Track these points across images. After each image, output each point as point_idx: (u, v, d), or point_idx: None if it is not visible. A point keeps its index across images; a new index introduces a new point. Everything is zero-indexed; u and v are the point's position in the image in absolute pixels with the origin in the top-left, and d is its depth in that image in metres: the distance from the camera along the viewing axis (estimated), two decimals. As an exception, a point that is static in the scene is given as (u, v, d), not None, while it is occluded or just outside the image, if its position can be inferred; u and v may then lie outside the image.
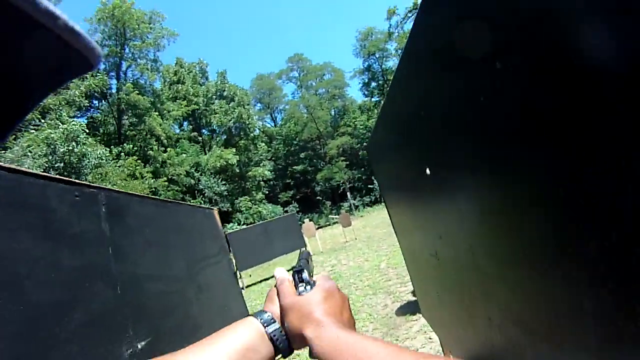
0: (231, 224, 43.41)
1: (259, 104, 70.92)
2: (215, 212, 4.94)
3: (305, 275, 1.07)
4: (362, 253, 16.34)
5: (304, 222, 21.86)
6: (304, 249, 1.58)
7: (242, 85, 64.89)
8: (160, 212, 3.24)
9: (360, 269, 13.05)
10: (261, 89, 70.16)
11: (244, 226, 29.24)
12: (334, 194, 61.03)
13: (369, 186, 55.50)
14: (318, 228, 28.45)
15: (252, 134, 57.31)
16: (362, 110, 65.00)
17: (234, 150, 50.98)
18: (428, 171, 1.67)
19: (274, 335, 0.94)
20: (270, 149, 62.75)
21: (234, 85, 57.12)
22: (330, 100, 66.77)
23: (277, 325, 0.96)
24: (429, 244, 2.20)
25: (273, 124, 72.32)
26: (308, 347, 0.89)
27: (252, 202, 50.60)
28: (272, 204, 54.59)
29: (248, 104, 58.03)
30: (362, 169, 59.51)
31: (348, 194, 58.34)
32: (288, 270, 1.11)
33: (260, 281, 16.46)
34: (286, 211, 48.83)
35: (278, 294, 1.03)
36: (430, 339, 5.98)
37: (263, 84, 70.21)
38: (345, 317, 0.95)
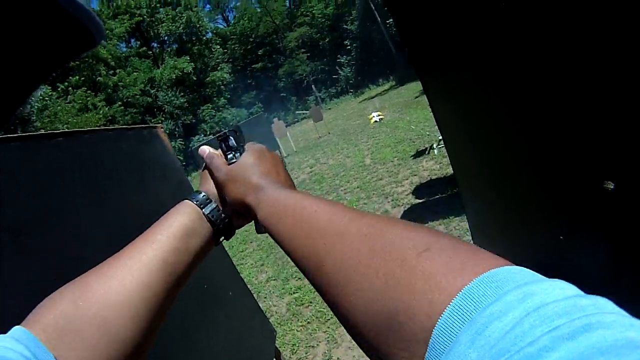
0: (197, 137, 42.99)
1: (207, 5, 68.34)
2: (160, 131, 3.37)
3: (232, 141, 1.02)
4: (341, 149, 15.46)
5: (272, 122, 20.68)
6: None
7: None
8: (52, 154, 1.94)
9: (344, 167, 12.07)
10: (209, -13, 66.61)
11: (211, 136, 28.36)
12: (298, 89, 60.17)
13: (334, 77, 54.58)
14: (287, 126, 27.55)
15: (204, 38, 55.26)
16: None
17: (188, 58, 49.28)
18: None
19: (212, 216, 0.92)
20: (226, 50, 60.83)
21: None
22: (285, -10, 64.39)
23: (213, 204, 0.93)
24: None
25: (226, 24, 69.94)
26: (253, 224, 0.93)
27: (215, 109, 49.93)
28: (236, 107, 53.56)
29: (196, 6, 55.10)
30: (325, 59, 58.39)
31: (313, 86, 57.38)
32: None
33: None
34: (251, 113, 48.43)
35: (210, 171, 0.99)
36: None
37: (210, -18, 66.50)
38: (282, 177, 0.93)
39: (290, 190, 0.83)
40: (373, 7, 45.13)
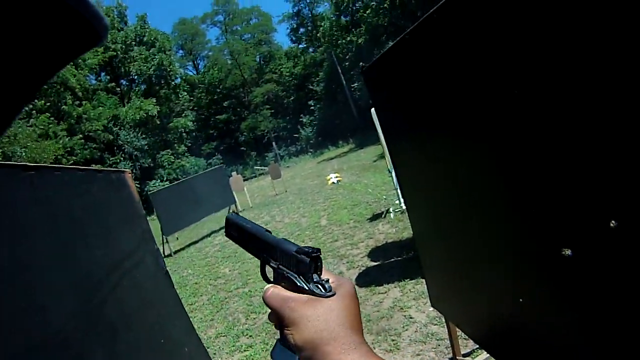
0: (154, 181, 42.32)
1: (181, 51, 68.54)
2: (128, 176, 3.30)
3: (320, 264, 0.78)
4: (297, 207, 15.46)
5: (230, 176, 20.63)
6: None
7: (163, 30, 61.55)
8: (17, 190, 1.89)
9: (299, 226, 12.09)
10: (184, 34, 67.39)
11: (167, 183, 27.96)
12: (259, 144, 60.26)
13: (294, 135, 55.03)
14: (245, 180, 27.46)
15: (173, 83, 54.75)
16: (288, 57, 63.80)
17: (154, 101, 48.55)
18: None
19: None
20: (192, 98, 60.60)
21: (155, 30, 53.62)
22: (256, 46, 65.57)
23: None
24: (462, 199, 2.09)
25: (195, 72, 70.00)
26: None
27: (175, 155, 49.10)
28: (195, 156, 53.14)
29: (169, 50, 55.15)
30: (288, 117, 59.04)
31: (273, 143, 57.59)
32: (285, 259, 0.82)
33: (189, 245, 15.16)
34: (210, 164, 48.09)
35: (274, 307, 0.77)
36: (410, 317, 5.13)
37: (186, 29, 67.38)
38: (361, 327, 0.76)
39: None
40: (340, 71, 46.23)
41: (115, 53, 48.19)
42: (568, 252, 1.36)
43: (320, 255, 0.79)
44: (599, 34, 1.06)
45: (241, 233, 0.92)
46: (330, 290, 0.76)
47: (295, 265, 0.79)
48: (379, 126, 2.87)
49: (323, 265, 0.82)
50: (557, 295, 1.49)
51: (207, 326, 7.20)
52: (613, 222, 1.15)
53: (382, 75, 2.74)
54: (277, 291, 0.79)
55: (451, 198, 2.20)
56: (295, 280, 0.78)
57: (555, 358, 1.62)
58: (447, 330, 3.63)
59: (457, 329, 3.27)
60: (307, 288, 0.76)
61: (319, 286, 0.76)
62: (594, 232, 1.23)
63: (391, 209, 9.73)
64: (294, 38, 63.83)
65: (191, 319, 7.55)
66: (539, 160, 1.41)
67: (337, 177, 18.60)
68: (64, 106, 39.36)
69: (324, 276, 0.79)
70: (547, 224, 1.45)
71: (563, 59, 1.19)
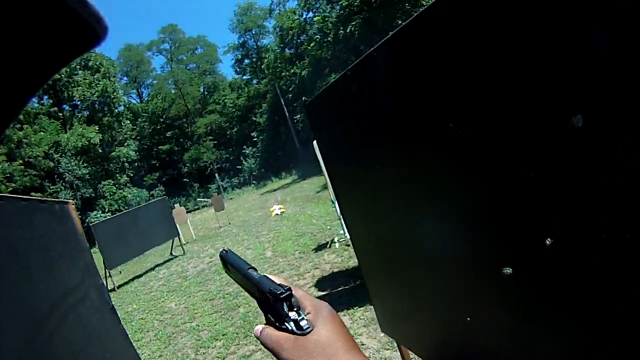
0: (95, 212, 41.09)
1: (125, 77, 67.50)
2: (72, 207, 3.21)
3: (294, 300, 0.78)
4: (241, 240, 15.36)
5: (173, 207, 20.30)
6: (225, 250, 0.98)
7: (109, 55, 60.26)
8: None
9: (244, 258, 11.77)
10: (129, 60, 66.44)
11: (109, 214, 27.20)
12: (202, 176, 59.77)
13: (237, 167, 54.98)
14: (188, 212, 27.07)
15: (116, 110, 53.68)
16: (232, 88, 64.01)
17: (97, 128, 47.33)
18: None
19: None
20: (135, 127, 59.49)
21: (101, 55, 52.22)
22: (201, 76, 65.54)
23: None
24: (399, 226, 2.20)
25: (139, 100, 68.99)
26: None
27: (117, 186, 47.81)
28: (137, 187, 51.91)
29: (114, 77, 54.09)
30: (231, 149, 59.02)
31: (216, 175, 57.14)
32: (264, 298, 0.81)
33: (133, 279, 14.69)
34: (152, 195, 47.21)
35: (268, 348, 0.79)
36: (362, 344, 5.15)
37: (131, 56, 66.39)
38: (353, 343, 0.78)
39: None
40: (283, 102, 46.59)
41: (59, 76, 46.79)
42: (509, 270, 1.44)
43: (291, 292, 0.78)
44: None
45: (232, 271, 0.93)
46: (307, 326, 0.76)
47: (270, 305, 0.80)
48: (321, 158, 2.94)
49: (301, 291, 0.83)
50: (502, 312, 1.58)
51: (154, 363, 7.00)
52: (548, 240, 1.23)
53: (323, 109, 2.84)
54: (269, 332, 0.79)
55: (393, 226, 2.27)
56: (272, 319, 0.80)
57: None
58: (399, 354, 3.69)
59: (410, 352, 3.32)
60: (283, 327, 0.77)
61: (294, 324, 0.76)
62: (531, 250, 1.31)
63: (336, 239, 9.81)
64: (238, 69, 64.44)
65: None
66: (476, 185, 1.50)
67: (280, 208, 18.60)
68: (3, 129, 38.04)
69: (303, 303, 0.80)
70: (487, 246, 1.54)
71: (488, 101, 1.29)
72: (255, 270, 0.89)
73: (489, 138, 1.37)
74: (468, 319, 1.80)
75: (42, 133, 43.24)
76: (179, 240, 16.88)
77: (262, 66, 49.73)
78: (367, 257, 3.04)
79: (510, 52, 1.22)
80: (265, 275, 0.84)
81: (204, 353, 6.53)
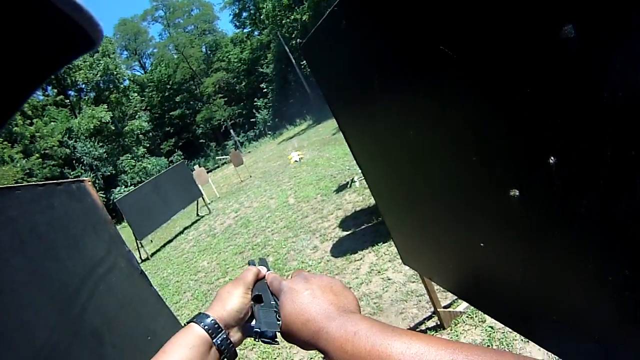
0: (118, 188, 41.61)
1: (125, 52, 67.36)
2: (89, 185, 3.33)
3: (268, 296, 0.93)
4: (264, 191, 15.43)
5: (193, 170, 20.47)
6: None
7: (105, 34, 59.05)
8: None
9: (268, 208, 12.11)
10: (126, 34, 65.92)
11: (132, 187, 27.55)
12: (217, 134, 60.01)
13: (251, 120, 54.77)
14: (208, 172, 27.27)
15: (122, 85, 53.91)
16: (234, 43, 63.31)
17: (106, 107, 47.86)
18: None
19: (222, 346, 0.87)
20: (143, 98, 59.67)
21: None
22: (201, 37, 64.81)
23: (224, 333, 0.88)
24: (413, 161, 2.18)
25: (143, 71, 68.79)
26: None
27: (135, 159, 48.49)
28: (156, 156, 52.47)
29: (114, 53, 53.98)
30: (242, 104, 58.91)
31: (231, 131, 57.30)
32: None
33: (164, 245, 15.01)
34: (171, 161, 47.64)
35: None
36: (388, 279, 5.23)
37: (127, 29, 65.82)
38: (343, 300, 0.81)
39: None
40: (288, 50, 45.93)
41: (57, 67, 47.10)
42: (516, 192, 1.42)
43: (261, 295, 0.93)
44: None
45: None
46: (274, 334, 0.85)
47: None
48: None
49: (280, 278, 0.96)
50: (512, 236, 1.57)
51: (196, 322, 7.16)
52: (552, 158, 1.20)
53: (318, 49, 2.79)
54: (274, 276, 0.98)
55: (401, 158, 2.24)
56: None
57: (520, 297, 1.71)
58: (423, 285, 3.75)
59: (433, 283, 3.36)
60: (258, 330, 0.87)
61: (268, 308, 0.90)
62: (535, 170, 1.29)
63: (355, 178, 9.85)
64: (237, 23, 63.35)
65: (179, 317, 7.54)
66: (474, 108, 1.48)
67: (299, 155, 18.64)
68: (15, 128, 38.48)
69: (280, 286, 0.91)
70: (492, 169, 1.52)
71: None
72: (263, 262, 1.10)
73: (481, 58, 1.33)
74: (481, 244, 1.80)
75: (53, 123, 44.01)
76: (203, 200, 17.11)
77: (262, 17, 48.62)
78: (381, 194, 3.03)
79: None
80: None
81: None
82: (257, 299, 0.93)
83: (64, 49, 0.33)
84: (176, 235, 15.50)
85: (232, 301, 0.92)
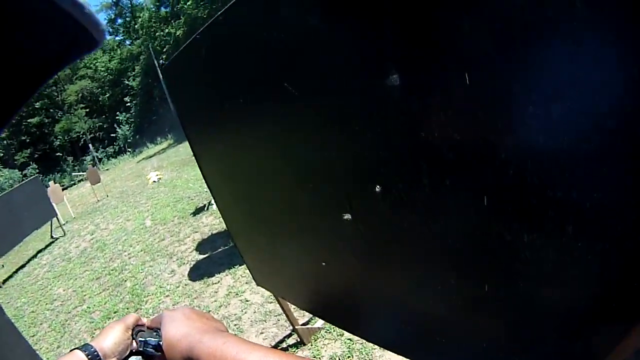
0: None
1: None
2: None
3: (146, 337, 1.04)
4: (121, 212, 14.91)
5: (48, 186, 19.37)
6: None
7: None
8: None
9: (125, 231, 11.74)
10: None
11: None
12: (75, 148, 56.54)
13: (112, 135, 52.49)
14: (64, 189, 25.85)
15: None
16: (104, 51, 59.51)
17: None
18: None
19: None
20: (-1, 100, 54.16)
21: None
22: (70, 39, 60.35)
23: None
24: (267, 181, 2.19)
25: (1, 70, 62.64)
26: None
27: (-14, 171, 43.82)
28: (9, 168, 48.12)
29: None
30: (104, 116, 56.18)
31: (90, 145, 54.20)
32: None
33: (17, 270, 13.42)
34: (25, 175, 44.01)
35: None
36: (247, 300, 5.36)
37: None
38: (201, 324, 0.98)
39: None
40: (157, 64, 44.75)
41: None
42: (349, 216, 1.55)
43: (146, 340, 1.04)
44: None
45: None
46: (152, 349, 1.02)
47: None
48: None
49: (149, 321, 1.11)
50: (348, 256, 1.72)
51: (56, 354, 6.68)
52: (378, 187, 1.33)
53: (179, 73, 2.81)
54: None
55: (248, 183, 2.39)
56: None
57: (364, 307, 1.87)
58: (279, 305, 3.89)
59: (287, 302, 3.52)
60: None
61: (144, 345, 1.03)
62: (364, 197, 1.42)
63: (212, 201, 9.94)
64: (110, 30, 59.84)
65: (38, 352, 6.83)
66: (311, 138, 1.60)
67: (157, 175, 18.19)
68: None
69: (160, 316, 1.06)
70: (327, 196, 1.64)
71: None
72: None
73: (319, 96, 1.45)
74: (323, 263, 1.91)
75: None
76: (58, 220, 16.19)
77: (136, 26, 47.31)
78: (231, 215, 3.13)
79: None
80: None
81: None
82: (138, 331, 1.06)
83: (67, 48, 0.34)
84: (29, 260, 14.02)
85: (113, 335, 1.03)
